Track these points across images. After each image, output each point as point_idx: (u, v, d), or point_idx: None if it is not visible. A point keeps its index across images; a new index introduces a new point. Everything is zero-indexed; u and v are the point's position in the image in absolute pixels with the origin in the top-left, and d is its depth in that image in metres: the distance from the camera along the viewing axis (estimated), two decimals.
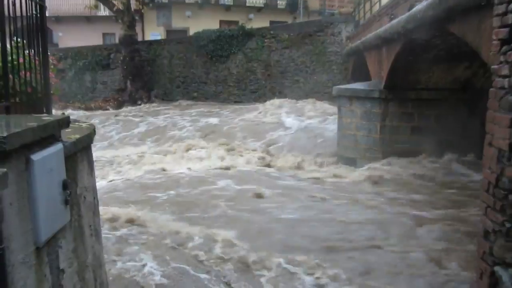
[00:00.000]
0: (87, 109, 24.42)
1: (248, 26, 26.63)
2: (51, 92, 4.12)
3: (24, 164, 2.31)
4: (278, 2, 34.09)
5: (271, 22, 31.95)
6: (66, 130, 3.45)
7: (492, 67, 3.58)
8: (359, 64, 18.23)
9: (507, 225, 3.26)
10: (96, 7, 25.55)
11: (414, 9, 7.47)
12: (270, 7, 33.69)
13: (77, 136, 3.14)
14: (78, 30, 31.11)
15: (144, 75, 25.21)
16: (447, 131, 11.64)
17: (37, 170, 2.37)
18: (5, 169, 2.00)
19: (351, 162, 12.87)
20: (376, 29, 12.54)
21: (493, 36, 3.48)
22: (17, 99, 3.66)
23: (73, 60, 25.91)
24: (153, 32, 32.18)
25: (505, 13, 3.25)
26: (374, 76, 13.60)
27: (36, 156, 2.37)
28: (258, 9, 33.39)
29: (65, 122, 2.86)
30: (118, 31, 25.83)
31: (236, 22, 29.08)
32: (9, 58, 3.54)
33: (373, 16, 14.25)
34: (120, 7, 23.61)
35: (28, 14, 3.55)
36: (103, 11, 28.75)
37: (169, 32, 32.46)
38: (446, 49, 9.45)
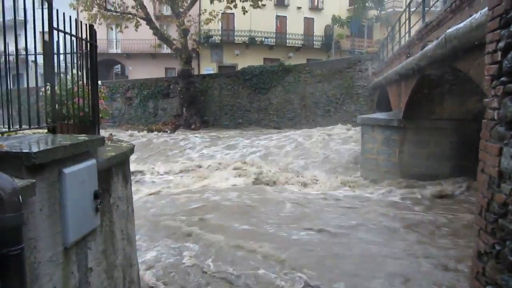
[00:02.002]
0: (149, 131, 25.04)
1: (288, 63, 26.79)
2: (100, 116, 4.21)
3: (57, 175, 2.35)
4: (314, 42, 34.19)
5: (308, 60, 31.99)
6: (107, 148, 3.53)
7: (485, 100, 3.40)
8: (382, 96, 17.88)
9: (497, 247, 3.03)
10: (160, 46, 26.41)
11: (426, 48, 7.27)
12: (307, 46, 33.82)
13: (113, 153, 3.19)
14: (144, 64, 32.21)
15: (197, 103, 25.68)
16: (461, 157, 11.17)
17: (68, 181, 2.40)
18: (34, 180, 2.04)
19: (373, 182, 12.54)
20: (396, 66, 12.29)
21: (485, 72, 3.31)
22: (72, 121, 3.80)
23: (139, 90, 26.74)
24: (207, 67, 32.89)
25: (494, 51, 3.09)
26: (395, 107, 13.29)
27: (68, 170, 2.41)
28: (297, 49, 33.58)
29: (100, 141, 2.91)
30: (177, 66, 26.55)
31: (278, 60, 29.20)
32: (65, 87, 3.69)
33: (393, 54, 14.00)
34: (179, 46, 24.28)
35: (83, 51, 3.68)
36: (166, 49, 29.62)
37: (220, 67, 33.09)
38: (458, 83, 9.12)
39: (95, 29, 3.91)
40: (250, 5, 24.64)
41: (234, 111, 25.80)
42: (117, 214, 3.24)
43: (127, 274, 3.43)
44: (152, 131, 24.94)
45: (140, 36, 27.92)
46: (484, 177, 3.29)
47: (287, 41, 33.67)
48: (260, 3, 24.76)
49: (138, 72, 31.72)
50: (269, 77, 24.83)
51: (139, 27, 24.56)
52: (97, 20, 22.60)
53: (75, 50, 3.67)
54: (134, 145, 4.02)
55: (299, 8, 33.95)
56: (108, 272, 3.01)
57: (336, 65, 24.23)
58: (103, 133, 5.26)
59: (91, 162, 2.73)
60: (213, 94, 26.16)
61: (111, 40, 33.03)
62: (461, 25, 4.99)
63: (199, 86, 26.06)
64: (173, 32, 26.82)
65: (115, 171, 3.25)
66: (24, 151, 2.05)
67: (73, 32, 3.70)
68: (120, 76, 36.20)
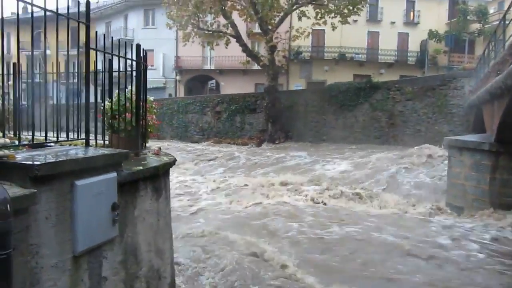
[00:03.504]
0: (235, 144, 25.81)
1: (380, 80, 25.96)
2: (149, 130, 4.43)
3: (68, 187, 2.49)
4: (408, 58, 32.73)
5: (401, 76, 30.66)
6: (143, 162, 3.68)
7: None
8: (478, 117, 16.45)
9: None
10: (248, 62, 27.16)
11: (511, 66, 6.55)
12: (400, 62, 32.55)
13: (140, 167, 3.32)
14: (236, 80, 33.42)
15: (282, 118, 25.89)
16: None
17: (80, 193, 2.54)
18: (35, 190, 2.19)
19: (459, 210, 11.53)
20: (489, 83, 11.25)
21: None
22: (123, 135, 4.06)
23: (227, 104, 27.75)
24: (296, 83, 33.16)
25: None
26: (488, 129, 12.15)
27: (80, 182, 2.55)
28: (389, 65, 32.47)
29: (124, 156, 3.04)
30: (266, 82, 27.10)
31: (369, 76, 28.36)
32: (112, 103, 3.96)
33: (487, 71, 12.83)
34: (266, 62, 24.79)
35: (132, 71, 3.94)
36: (256, 66, 30.39)
37: (309, 83, 33.13)
38: None
39: (144, 49, 4.15)
40: (339, 21, 24.41)
41: (318, 127, 25.55)
42: (142, 226, 3.35)
43: (152, 286, 3.52)
44: (238, 144, 25.71)
45: (232, 53, 29.10)
46: None
47: (379, 57, 32.76)
48: (349, 19, 24.45)
49: (230, 87, 32.98)
50: (356, 93, 24.23)
51: (231, 45, 25.67)
52: (191, 38, 24.04)
53: (122, 69, 3.92)
54: (174, 159, 4.15)
55: (392, 23, 32.87)
56: (126, 283, 3.11)
57: (428, 82, 22.84)
58: (160, 145, 5.52)
59: (111, 175, 2.86)
60: (298, 110, 26.21)
61: (206, 57, 34.86)
62: None
63: (285, 102, 26.28)
64: (262, 49, 27.53)
65: (143, 185, 3.37)
66: (28, 163, 2.22)
67: (125, 54, 3.97)
68: (214, 91, 37.99)
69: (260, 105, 26.87)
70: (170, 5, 23.83)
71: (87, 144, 3.27)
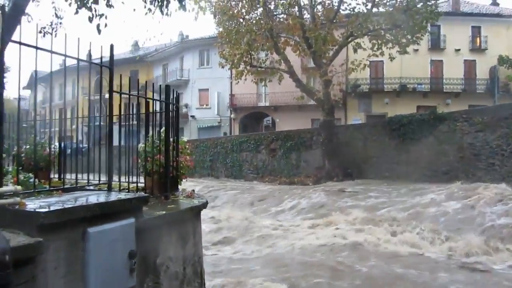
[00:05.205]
0: (290, 183, 25.50)
1: (447, 110, 24.89)
2: (181, 171, 4.46)
3: (80, 234, 2.50)
4: (477, 86, 31.28)
5: (470, 106, 29.22)
6: (169, 206, 3.68)
7: None
8: None
9: None
10: (303, 98, 27.15)
11: None
12: (468, 92, 31.16)
13: (163, 212, 3.30)
14: (291, 116, 33.53)
15: (340, 155, 25.33)
16: None
17: (93, 241, 2.54)
18: (41, 239, 2.21)
19: None
20: None
21: None
22: (155, 177, 4.12)
23: (282, 141, 27.70)
24: (355, 117, 32.69)
25: None
26: None
27: (93, 229, 2.56)
28: (456, 94, 31.21)
29: (143, 200, 3.04)
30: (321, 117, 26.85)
31: (433, 107, 27.23)
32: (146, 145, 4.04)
33: None
34: (321, 97, 24.70)
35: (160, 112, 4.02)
36: (313, 101, 30.30)
37: (369, 117, 32.50)
38: None
39: (175, 90, 4.24)
40: (397, 51, 23.99)
41: (379, 163, 24.68)
42: (166, 275, 3.29)
43: None
44: (294, 183, 25.37)
45: (286, 89, 29.39)
46: None
47: (444, 86, 31.59)
48: (408, 48, 23.99)
49: (285, 123, 33.08)
50: (419, 126, 23.29)
51: (285, 81, 25.94)
52: (243, 76, 24.62)
53: (151, 110, 4.02)
54: (205, 202, 4.12)
55: (457, 50, 31.78)
56: None
57: (500, 111, 21.49)
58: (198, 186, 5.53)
59: (128, 221, 2.85)
60: (357, 145, 25.56)
61: (260, 94, 35.50)
62: None
63: (343, 137, 25.80)
64: (317, 84, 27.54)
65: (166, 230, 3.33)
66: (35, 210, 2.26)
67: (159, 96, 4.08)
68: (271, 128, 38.34)
69: (316, 141, 26.56)
70: (223, 44, 24.68)
71: (109, 188, 3.31)
